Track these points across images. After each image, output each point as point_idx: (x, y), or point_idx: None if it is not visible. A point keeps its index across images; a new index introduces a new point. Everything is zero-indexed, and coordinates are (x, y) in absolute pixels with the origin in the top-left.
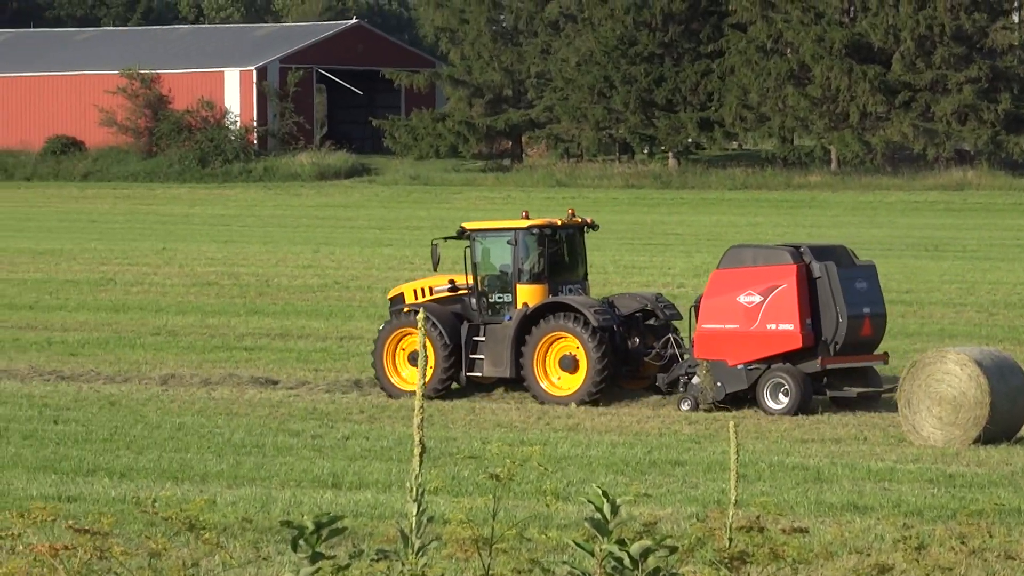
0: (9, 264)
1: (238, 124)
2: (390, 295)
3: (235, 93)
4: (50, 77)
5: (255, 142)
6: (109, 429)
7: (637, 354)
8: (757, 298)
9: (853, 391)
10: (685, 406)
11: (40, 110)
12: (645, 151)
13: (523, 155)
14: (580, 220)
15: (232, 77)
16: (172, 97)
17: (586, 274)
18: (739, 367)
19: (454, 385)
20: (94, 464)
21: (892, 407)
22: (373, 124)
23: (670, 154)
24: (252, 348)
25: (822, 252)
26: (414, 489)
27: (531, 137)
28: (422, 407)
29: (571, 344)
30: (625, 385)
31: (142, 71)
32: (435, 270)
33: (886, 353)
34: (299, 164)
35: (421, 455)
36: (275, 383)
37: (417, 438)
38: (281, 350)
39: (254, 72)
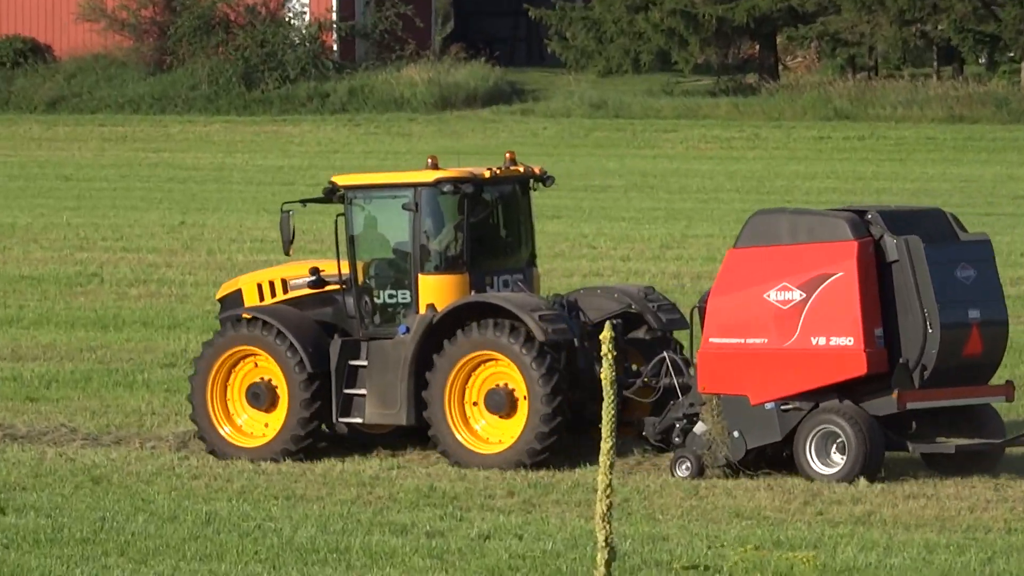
0: None
1: (306, 19)
2: (221, 293)
3: None
4: None
5: (334, 48)
6: (92, 523)
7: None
8: (797, 295)
9: (951, 444)
10: (682, 471)
11: None
12: (981, 60)
13: (778, 67)
14: (523, 170)
15: None
16: None
17: (533, 258)
18: (767, 407)
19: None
20: None
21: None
22: (531, 16)
23: None
24: None
25: (904, 220)
26: None
27: (792, 38)
28: (609, 485)
29: (504, 371)
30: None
31: None
32: (287, 253)
33: (1010, 383)
34: (408, 84)
35: (608, 565)
36: (368, 446)
37: (602, 537)
38: None
39: None
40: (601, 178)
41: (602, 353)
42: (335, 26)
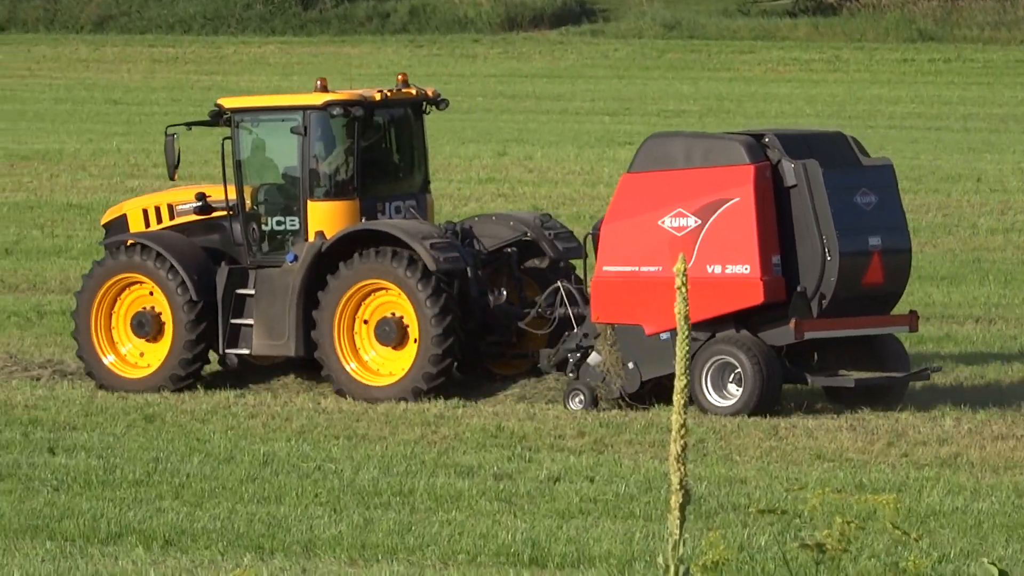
0: None
1: None
2: (106, 218)
3: None
4: None
5: None
6: (145, 464)
7: (506, 315)
8: (692, 221)
9: (851, 377)
10: (575, 403)
11: None
12: None
13: None
14: (415, 92)
15: None
16: None
17: (427, 183)
18: (663, 337)
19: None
20: (119, 524)
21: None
22: None
23: None
24: None
25: (801, 143)
26: (672, 567)
27: None
28: (683, 426)
29: (394, 300)
30: (495, 367)
31: None
32: (172, 177)
33: (914, 313)
34: (472, 2)
35: (683, 509)
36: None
37: (676, 479)
38: None
39: None
40: (675, 102)
41: (676, 286)
42: None
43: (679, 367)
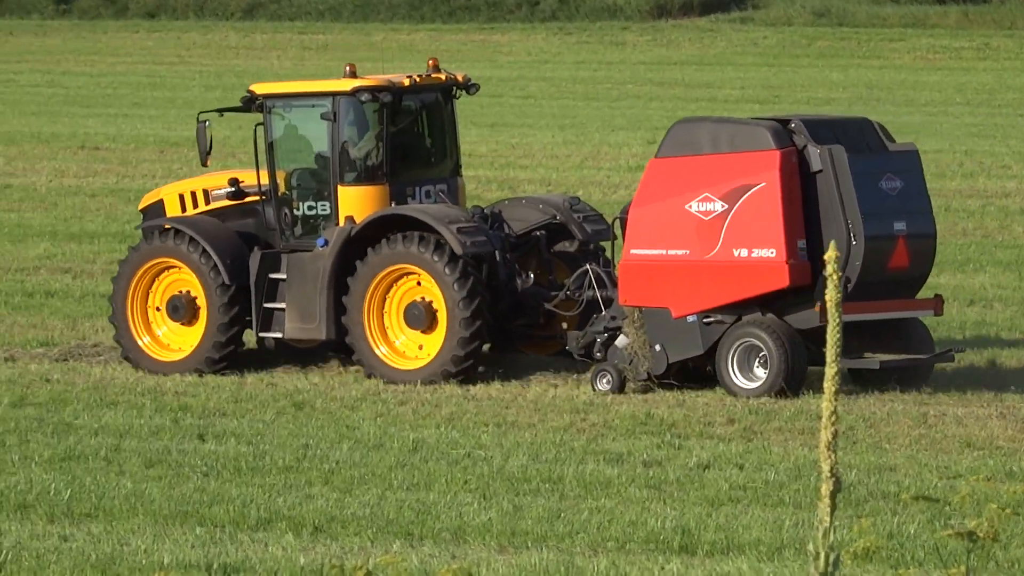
0: (128, 161)
1: None
2: (143, 203)
3: None
4: None
5: None
6: (294, 451)
7: (534, 297)
8: (718, 206)
9: (876, 360)
10: (603, 384)
11: None
12: None
13: None
14: (446, 78)
15: None
16: None
17: (458, 168)
18: (690, 320)
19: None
20: (268, 510)
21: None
22: None
23: None
24: None
25: (828, 129)
26: (822, 555)
27: None
28: (834, 412)
29: (423, 285)
30: (526, 349)
31: None
32: (205, 164)
33: (939, 297)
34: None
35: (833, 497)
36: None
37: (827, 467)
38: None
39: None
40: (824, 90)
41: (827, 274)
42: None
43: (830, 353)
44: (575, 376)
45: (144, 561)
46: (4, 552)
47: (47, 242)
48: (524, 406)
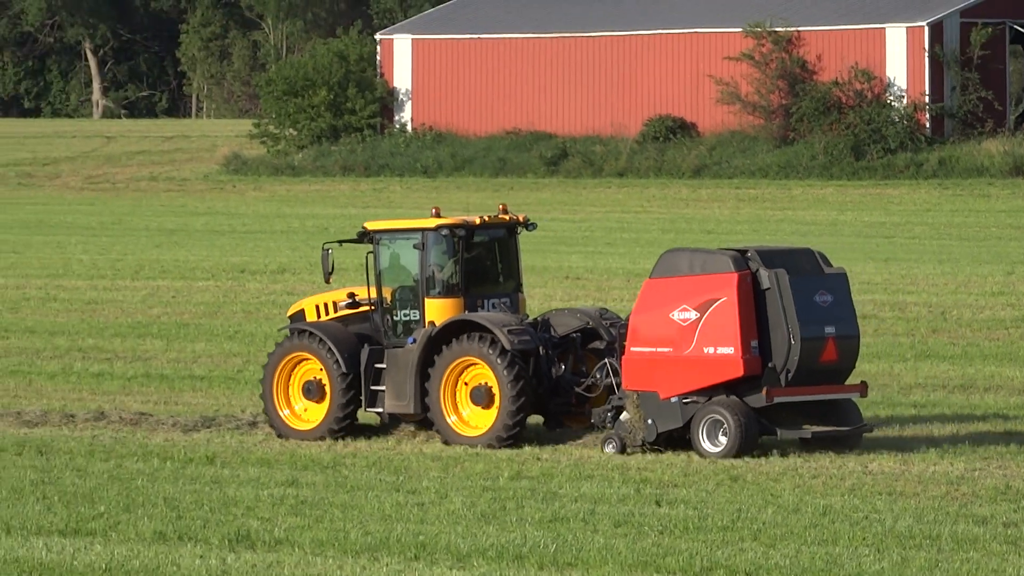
0: (603, 288)
1: (904, 101)
2: (290, 311)
3: (899, 58)
4: (650, 38)
5: (927, 125)
6: (730, 513)
7: (568, 383)
8: (693, 315)
9: (809, 430)
10: (609, 448)
11: (637, 83)
12: None
13: None
14: (510, 218)
15: (896, 37)
16: (817, 64)
17: (519, 286)
18: (673, 400)
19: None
20: (709, 560)
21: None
22: None
23: None
24: (921, 404)
25: (776, 257)
26: None
27: None
28: None
29: (484, 372)
30: (569, 423)
31: (775, 28)
32: (327, 281)
33: (863, 383)
34: (986, 154)
35: None
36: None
37: None
38: (961, 406)
39: (926, 29)
40: None
41: None
42: (927, 107)
43: None
44: (950, 455)
45: None
46: None
47: None
48: (910, 479)
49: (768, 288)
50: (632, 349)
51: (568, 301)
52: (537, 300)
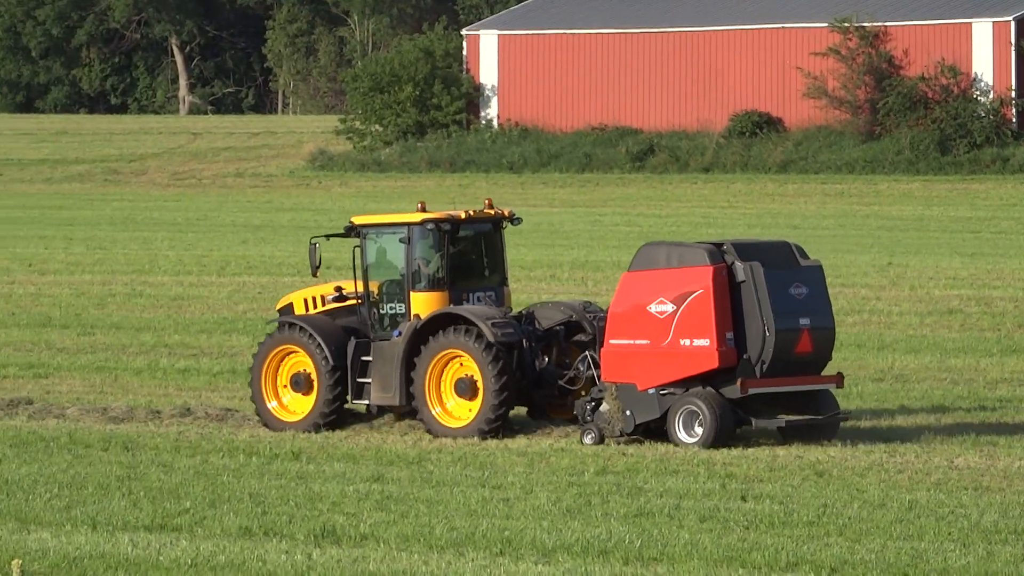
0: None
1: (990, 96)
2: (279, 305)
3: (985, 53)
4: (737, 33)
5: (1013, 120)
6: (815, 508)
7: (551, 375)
8: (669, 307)
9: (782, 419)
10: (588, 439)
11: (723, 78)
12: None
13: None
14: (495, 213)
15: (982, 32)
16: (903, 59)
17: (504, 279)
18: (650, 392)
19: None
20: (795, 555)
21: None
22: None
23: None
24: (1007, 399)
25: (752, 250)
26: None
27: None
28: None
29: (468, 364)
30: (553, 414)
31: (861, 23)
32: (314, 275)
33: (840, 374)
34: None
35: None
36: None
37: None
38: None
39: (1012, 24)
40: None
41: None
42: (1013, 102)
43: None
44: None
45: None
46: None
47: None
48: (995, 474)
49: (743, 281)
50: (611, 342)
51: None
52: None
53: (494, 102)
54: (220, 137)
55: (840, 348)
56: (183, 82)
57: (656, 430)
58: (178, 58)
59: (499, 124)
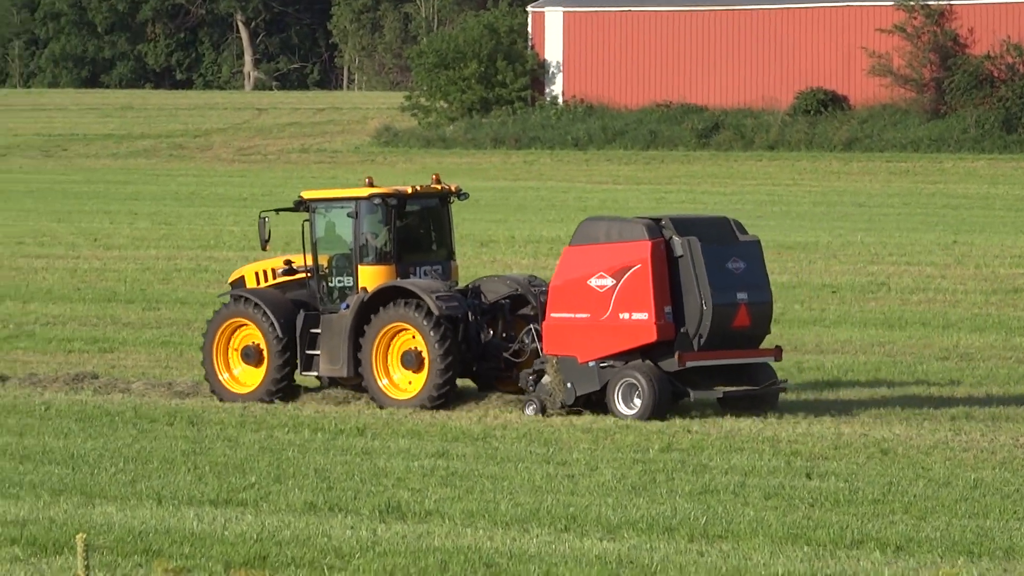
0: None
1: None
2: (231, 278)
3: None
4: (802, 11)
5: None
6: (881, 486)
7: (496, 348)
8: (609, 281)
9: (719, 391)
10: (529, 410)
11: (789, 55)
12: None
13: None
14: (442, 188)
15: None
16: (968, 38)
17: (451, 254)
18: (590, 364)
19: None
20: (860, 533)
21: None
22: None
23: None
24: None
25: (690, 225)
26: None
27: None
28: None
29: (414, 337)
30: (500, 386)
31: (927, 2)
32: (264, 249)
33: (778, 347)
34: None
35: None
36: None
37: None
38: None
39: None
40: None
41: None
42: None
43: None
44: None
45: (763, 572)
46: (654, 565)
47: None
48: None
49: (681, 255)
50: (552, 315)
51: None
52: None
53: (559, 79)
54: (285, 113)
55: (905, 327)
56: (248, 58)
57: (597, 402)
58: (243, 34)
59: (564, 101)
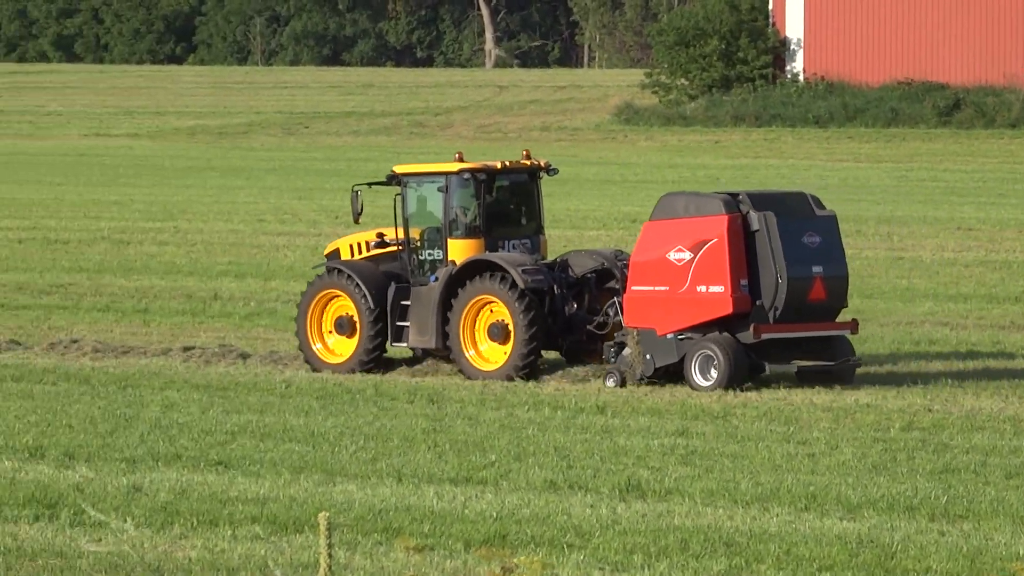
0: (995, 240)
1: None
2: (326, 251)
3: None
4: None
5: None
6: None
7: (580, 321)
8: (687, 255)
9: (795, 364)
10: (611, 382)
11: None
12: None
13: None
14: (531, 163)
15: None
16: None
17: (540, 228)
18: (669, 337)
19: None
20: None
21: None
22: None
23: None
24: None
25: (766, 200)
26: None
27: None
28: None
29: (500, 310)
30: (588, 359)
31: None
32: (356, 222)
33: (855, 320)
34: None
35: None
36: None
37: None
38: None
39: None
40: None
41: None
42: None
43: None
44: None
45: (1004, 552)
46: (895, 544)
47: (930, 302)
48: None
49: (757, 230)
50: (632, 288)
51: (960, 252)
52: (929, 251)
53: (800, 56)
54: (526, 91)
55: None
56: (489, 35)
57: (675, 373)
58: (484, 12)
59: (805, 78)
